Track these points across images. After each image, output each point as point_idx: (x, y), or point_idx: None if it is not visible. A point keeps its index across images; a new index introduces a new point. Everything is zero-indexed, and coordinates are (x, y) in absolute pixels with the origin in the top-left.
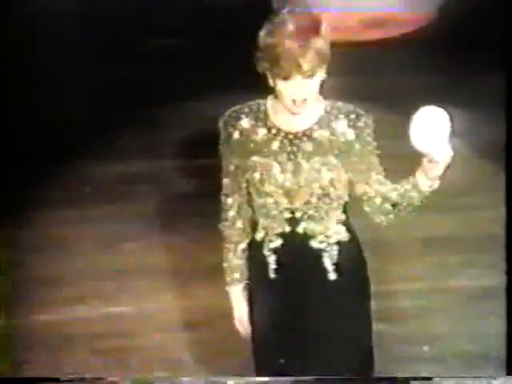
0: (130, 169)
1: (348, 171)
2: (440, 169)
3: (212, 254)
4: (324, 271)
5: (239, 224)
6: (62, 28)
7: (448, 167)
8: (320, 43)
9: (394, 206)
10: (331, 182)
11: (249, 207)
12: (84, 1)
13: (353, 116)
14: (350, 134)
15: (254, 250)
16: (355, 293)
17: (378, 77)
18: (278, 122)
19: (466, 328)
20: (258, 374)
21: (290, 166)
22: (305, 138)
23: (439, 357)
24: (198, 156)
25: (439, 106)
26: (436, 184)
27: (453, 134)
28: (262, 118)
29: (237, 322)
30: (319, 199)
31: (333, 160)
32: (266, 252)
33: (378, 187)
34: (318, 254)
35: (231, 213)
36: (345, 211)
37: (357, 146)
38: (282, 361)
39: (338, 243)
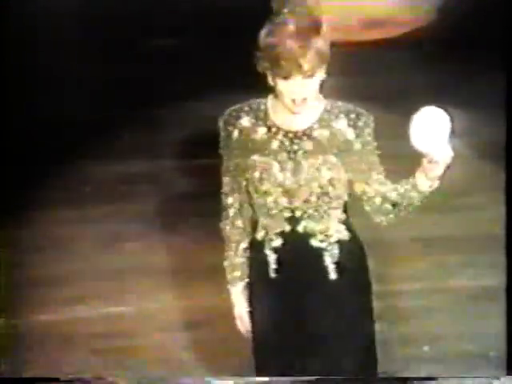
0: (130, 169)
1: (348, 170)
2: (440, 169)
3: (212, 254)
4: (325, 270)
5: (240, 223)
6: (62, 28)
7: (448, 167)
8: (320, 43)
9: (394, 205)
10: (330, 181)
11: (249, 206)
12: (84, 1)
13: (353, 115)
14: (350, 134)
15: (255, 249)
16: (356, 292)
17: (378, 77)
18: (278, 120)
19: (466, 328)
20: (258, 374)
21: (289, 164)
22: (305, 137)
23: (439, 357)
24: (198, 156)
25: (439, 106)
26: (436, 184)
27: (453, 134)
28: (262, 116)
29: (237, 321)
30: (318, 198)
31: (332, 159)
32: (266, 251)
33: (377, 187)
34: (318, 253)
35: (231, 212)
36: (345, 210)
37: (357, 146)
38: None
39: (339, 242)
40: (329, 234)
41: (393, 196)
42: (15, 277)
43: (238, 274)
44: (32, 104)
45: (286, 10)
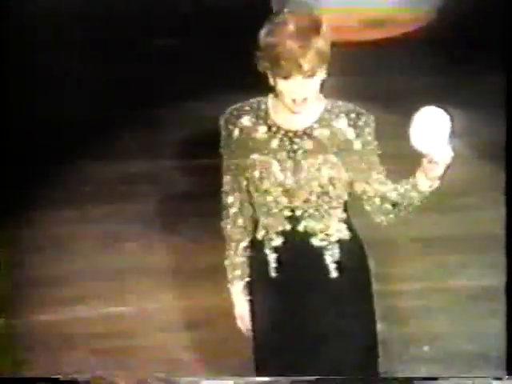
0: (130, 169)
1: (348, 170)
2: (440, 169)
3: (212, 254)
4: (325, 269)
5: (240, 222)
6: (62, 28)
7: (448, 167)
8: (320, 43)
9: (394, 205)
10: (331, 180)
11: (249, 205)
12: (84, 1)
13: (353, 115)
14: (350, 133)
15: (255, 248)
16: (357, 291)
17: (377, 77)
18: (278, 120)
19: (466, 328)
20: (258, 374)
21: (289, 164)
22: (305, 137)
23: (439, 357)
24: (198, 156)
25: (439, 106)
26: (436, 184)
27: (453, 134)
28: (262, 116)
29: (238, 320)
30: (318, 197)
31: (333, 158)
32: (267, 251)
33: (377, 187)
34: (319, 252)
35: (232, 211)
36: (345, 210)
37: (357, 145)
38: None
39: (339, 241)
40: (329, 233)
41: (393, 196)
42: (15, 277)
43: (238, 273)
44: (32, 104)
45: (286, 10)
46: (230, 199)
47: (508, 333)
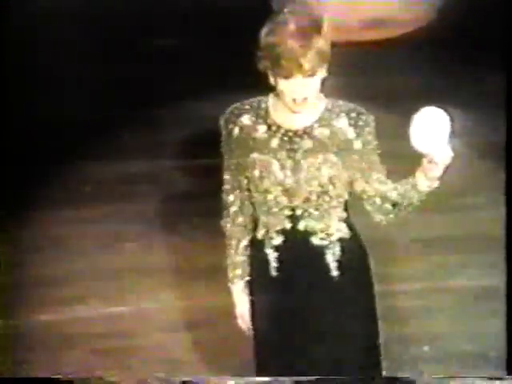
0: (130, 169)
1: (348, 169)
2: (439, 169)
3: (212, 254)
4: (326, 268)
5: (240, 221)
6: (62, 28)
7: (448, 168)
8: (321, 43)
9: (394, 205)
10: (330, 179)
11: (250, 204)
12: (84, 1)
13: (353, 114)
14: (351, 133)
15: (256, 247)
16: (358, 290)
17: (377, 77)
18: (278, 119)
19: (465, 328)
20: (259, 374)
21: (289, 163)
22: (305, 136)
23: (439, 357)
24: (198, 156)
25: (439, 107)
26: (435, 184)
27: (453, 134)
28: (262, 115)
29: (238, 319)
30: (318, 197)
31: (333, 158)
32: (267, 250)
33: (377, 186)
34: (320, 251)
35: (232, 209)
36: (346, 209)
37: (357, 145)
38: None
39: (340, 240)
40: (330, 232)
41: (393, 196)
42: (15, 277)
43: (238, 272)
44: (32, 104)
45: (286, 10)
46: (231, 198)
47: (508, 333)
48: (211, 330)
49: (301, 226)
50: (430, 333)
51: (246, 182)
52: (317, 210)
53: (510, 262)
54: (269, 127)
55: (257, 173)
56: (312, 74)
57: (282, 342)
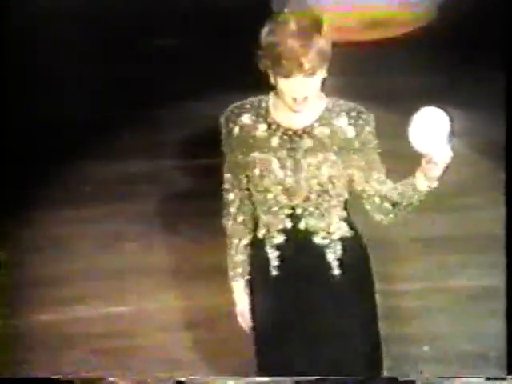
0: (130, 169)
1: (348, 169)
2: (439, 169)
3: (212, 254)
4: (327, 267)
5: (241, 219)
6: (62, 28)
7: (447, 168)
8: (321, 42)
9: (394, 205)
10: (330, 179)
11: (250, 203)
12: (84, 1)
13: (354, 113)
14: (351, 132)
15: (256, 247)
16: (359, 289)
17: (377, 77)
18: (278, 118)
19: (465, 328)
20: (259, 374)
21: (289, 162)
22: (305, 135)
23: (439, 357)
24: (198, 156)
25: (439, 107)
26: (434, 184)
27: (453, 134)
28: (263, 114)
29: (239, 317)
30: (318, 196)
31: (332, 157)
32: (268, 249)
33: (377, 186)
34: (321, 250)
35: (233, 208)
36: (346, 208)
37: (357, 144)
38: None
39: (341, 239)
40: (331, 231)
41: (393, 195)
42: (15, 277)
43: (239, 271)
44: (32, 104)
45: (287, 10)
46: (231, 197)
47: (508, 333)
48: (211, 329)
49: (301, 225)
50: (430, 333)
51: (246, 180)
52: (317, 209)
53: (510, 262)
54: (269, 126)
55: (257, 172)
56: (312, 74)
57: (283, 342)
